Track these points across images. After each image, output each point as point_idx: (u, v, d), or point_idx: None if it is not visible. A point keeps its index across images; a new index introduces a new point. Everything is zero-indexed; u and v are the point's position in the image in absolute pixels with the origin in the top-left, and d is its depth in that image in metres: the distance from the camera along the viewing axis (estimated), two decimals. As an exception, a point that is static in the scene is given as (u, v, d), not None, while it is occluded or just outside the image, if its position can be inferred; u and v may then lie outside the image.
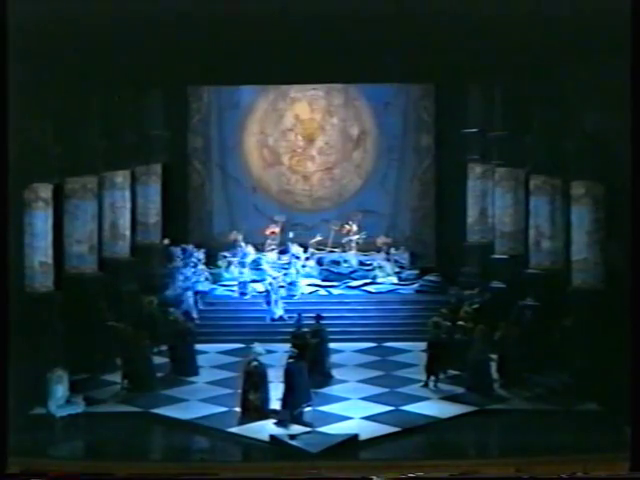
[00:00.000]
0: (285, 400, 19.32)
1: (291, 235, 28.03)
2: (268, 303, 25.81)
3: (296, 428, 18.63)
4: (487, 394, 20.69)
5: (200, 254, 27.31)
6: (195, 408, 20.09)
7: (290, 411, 19.15)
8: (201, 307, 26.07)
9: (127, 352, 21.63)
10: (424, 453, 18.54)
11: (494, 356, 21.67)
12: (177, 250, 27.23)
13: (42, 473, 14.32)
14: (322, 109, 29.53)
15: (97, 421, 19.38)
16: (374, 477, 13.83)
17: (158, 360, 22.61)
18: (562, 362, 21.16)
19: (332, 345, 22.73)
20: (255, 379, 19.51)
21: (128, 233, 25.69)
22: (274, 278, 26.50)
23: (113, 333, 22.48)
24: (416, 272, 27.90)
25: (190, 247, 27.46)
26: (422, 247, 28.87)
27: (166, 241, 27.52)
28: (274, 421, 19.06)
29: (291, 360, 19.94)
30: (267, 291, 26.09)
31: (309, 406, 19.42)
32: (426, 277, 27.62)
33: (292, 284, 26.85)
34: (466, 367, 21.39)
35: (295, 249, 27.83)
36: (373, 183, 29.46)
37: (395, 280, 27.62)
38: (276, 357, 22.69)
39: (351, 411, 19.72)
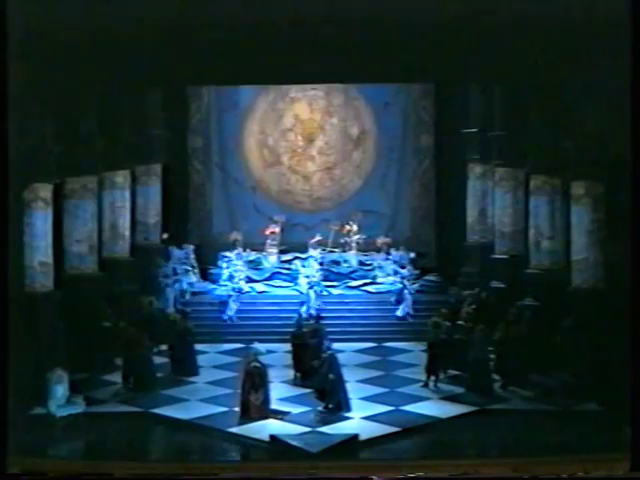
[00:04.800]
0: (329, 388, 19.55)
1: (165, 236, 27.89)
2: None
3: (297, 428, 18.72)
4: (487, 394, 20.69)
5: (189, 251, 27.35)
6: (195, 408, 20.08)
7: (331, 401, 19.47)
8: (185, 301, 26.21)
9: (127, 352, 21.64)
10: (424, 453, 18.53)
11: (494, 356, 21.69)
12: (173, 249, 27.30)
13: (42, 473, 14.32)
14: (322, 109, 29.53)
15: (97, 421, 19.38)
16: (374, 477, 13.83)
17: (158, 360, 22.61)
18: (562, 362, 21.16)
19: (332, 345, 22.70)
20: (255, 379, 19.50)
21: (128, 233, 25.71)
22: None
23: (114, 333, 22.50)
24: (416, 272, 27.88)
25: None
26: (422, 247, 28.84)
27: (165, 235, 27.63)
28: (275, 421, 19.12)
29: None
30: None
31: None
32: (426, 277, 27.61)
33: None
34: (466, 367, 21.40)
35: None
36: (373, 183, 29.46)
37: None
38: (276, 357, 22.73)
39: (351, 410, 19.71)
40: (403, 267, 27.03)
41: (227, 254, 27.82)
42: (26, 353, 18.46)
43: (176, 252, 27.25)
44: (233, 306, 25.92)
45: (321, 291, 26.39)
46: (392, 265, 27.46)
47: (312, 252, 27.63)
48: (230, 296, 26.08)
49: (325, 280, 27.34)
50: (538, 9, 17.62)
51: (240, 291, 26.52)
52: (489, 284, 25.31)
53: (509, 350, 21.50)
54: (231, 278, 26.74)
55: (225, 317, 25.84)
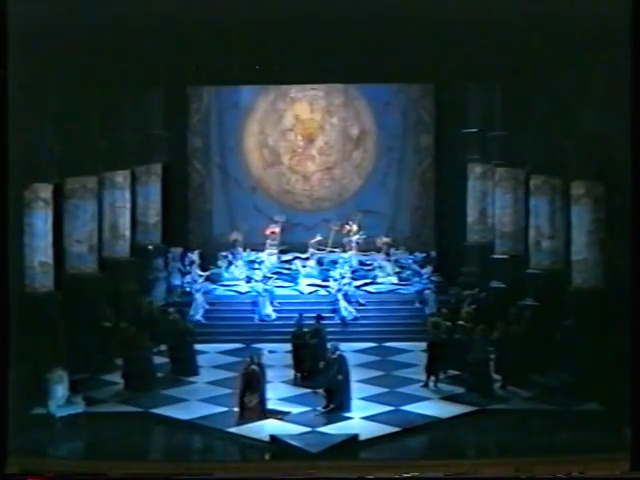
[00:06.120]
0: (336, 389, 19.60)
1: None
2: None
3: (297, 428, 18.72)
4: (487, 394, 20.69)
5: (194, 256, 27.32)
6: (195, 408, 20.08)
7: (335, 401, 19.53)
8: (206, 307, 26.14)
9: (127, 352, 21.64)
10: (424, 453, 18.55)
11: (494, 356, 21.68)
12: (175, 254, 27.24)
13: (42, 473, 14.33)
14: (322, 109, 29.52)
15: (97, 421, 19.39)
16: (373, 477, 13.84)
17: (158, 360, 22.59)
18: (562, 362, 21.14)
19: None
20: (251, 381, 19.45)
21: (128, 233, 25.69)
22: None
23: (114, 333, 22.49)
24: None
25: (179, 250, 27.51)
26: (422, 247, 28.83)
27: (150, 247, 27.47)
28: (275, 421, 19.11)
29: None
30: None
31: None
32: (426, 277, 27.63)
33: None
34: (466, 367, 21.39)
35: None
36: (373, 183, 29.46)
37: (395, 280, 27.60)
38: (276, 357, 22.73)
39: (351, 411, 19.72)
40: (423, 267, 27.16)
41: (260, 256, 27.88)
42: (26, 353, 18.46)
43: (189, 255, 27.19)
44: (269, 306, 25.94)
45: (347, 293, 26.25)
46: (413, 265, 27.56)
47: (344, 254, 27.74)
48: (263, 297, 26.04)
49: (325, 280, 27.31)
50: (538, 9, 17.63)
51: (271, 292, 26.52)
52: (489, 284, 25.30)
53: (509, 350, 21.49)
54: (265, 279, 26.71)
55: (260, 317, 25.78)
